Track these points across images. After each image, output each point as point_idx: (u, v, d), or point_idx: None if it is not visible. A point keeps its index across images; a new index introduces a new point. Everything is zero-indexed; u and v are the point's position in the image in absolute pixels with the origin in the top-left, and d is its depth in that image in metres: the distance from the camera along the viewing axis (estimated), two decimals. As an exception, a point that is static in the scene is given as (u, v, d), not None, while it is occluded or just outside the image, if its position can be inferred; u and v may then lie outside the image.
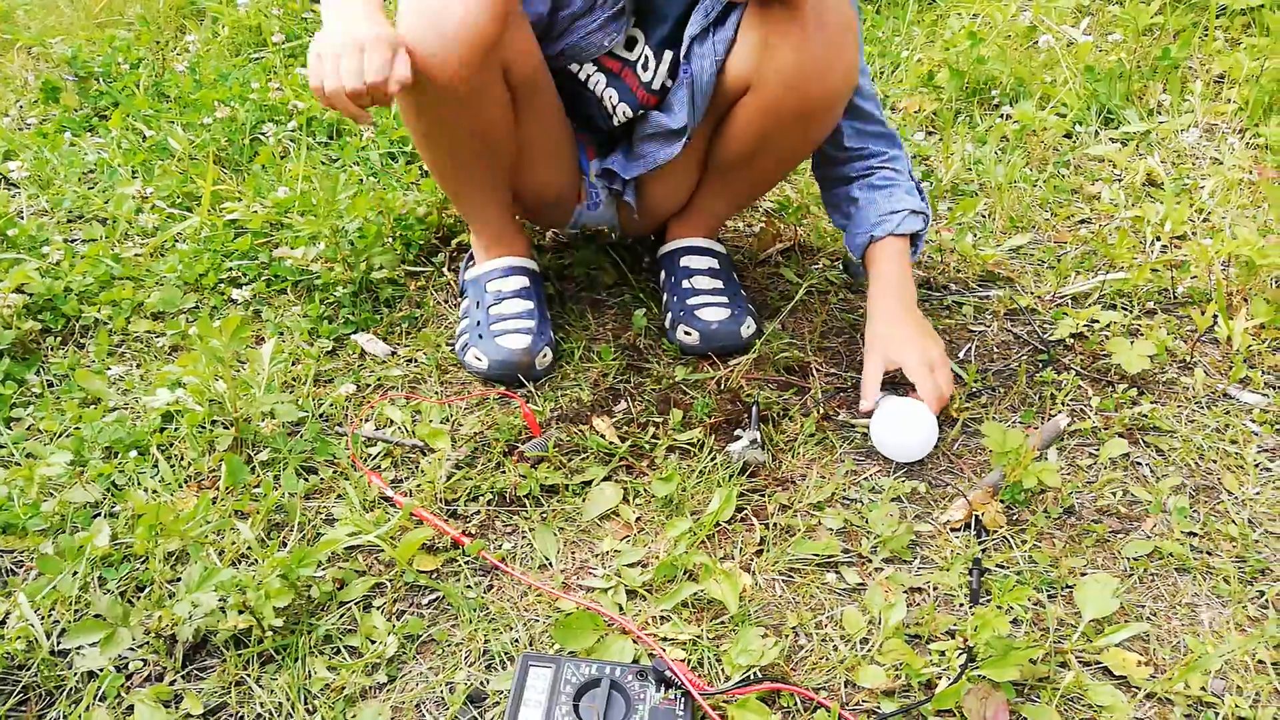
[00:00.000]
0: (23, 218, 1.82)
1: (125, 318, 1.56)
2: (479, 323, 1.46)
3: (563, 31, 1.36)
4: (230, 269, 1.66)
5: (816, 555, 1.16)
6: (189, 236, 1.74)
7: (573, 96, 1.46)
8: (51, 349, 1.51)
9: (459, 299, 1.61)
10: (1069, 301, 1.65)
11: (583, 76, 1.43)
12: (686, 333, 1.49)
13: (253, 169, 1.96)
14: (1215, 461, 1.32)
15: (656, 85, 1.41)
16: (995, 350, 1.55)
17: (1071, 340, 1.55)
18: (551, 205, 1.58)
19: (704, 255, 1.58)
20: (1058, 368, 1.49)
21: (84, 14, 2.80)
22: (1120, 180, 2.00)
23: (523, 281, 1.50)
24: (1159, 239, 1.78)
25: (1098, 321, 1.56)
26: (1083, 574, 1.14)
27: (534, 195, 1.54)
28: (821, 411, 1.39)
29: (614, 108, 1.44)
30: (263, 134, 2.06)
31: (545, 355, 1.44)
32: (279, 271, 1.64)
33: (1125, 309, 1.61)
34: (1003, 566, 1.16)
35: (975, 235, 1.82)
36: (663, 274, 1.60)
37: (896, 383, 1.40)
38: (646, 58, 1.40)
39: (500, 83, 1.31)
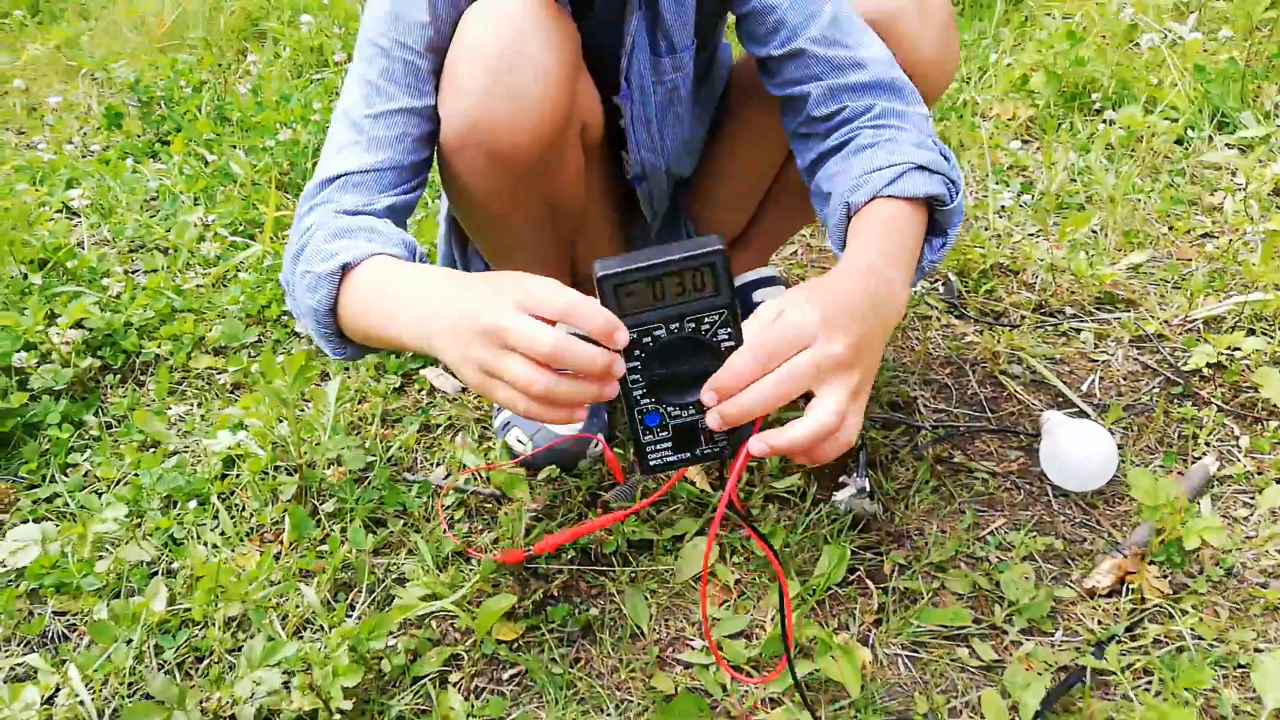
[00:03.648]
0: (84, 248, 1.77)
1: (186, 353, 1.49)
2: None
3: None
4: (293, 300, 1.58)
5: (944, 626, 1.03)
6: (251, 265, 1.67)
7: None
8: (110, 387, 1.44)
9: None
10: (1201, 326, 1.49)
11: None
12: None
13: (315, 193, 1.89)
14: (1394, 512, 1.16)
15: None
16: (1123, 381, 1.40)
17: (1209, 370, 1.39)
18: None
19: (774, 285, 1.45)
20: (1196, 402, 1.34)
21: (147, 38, 2.78)
22: (1244, 190, 1.82)
23: None
24: (1299, 255, 1.61)
25: (1239, 349, 1.40)
26: (1256, 650, 0.99)
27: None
28: (934, 454, 1.26)
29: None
30: (325, 157, 1.99)
31: (597, 446, 1.25)
32: (343, 303, 1.55)
33: (1268, 334, 1.45)
34: (1162, 642, 1.02)
35: (1088, 253, 1.67)
36: None
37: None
38: None
39: (577, 143, 1.12)
